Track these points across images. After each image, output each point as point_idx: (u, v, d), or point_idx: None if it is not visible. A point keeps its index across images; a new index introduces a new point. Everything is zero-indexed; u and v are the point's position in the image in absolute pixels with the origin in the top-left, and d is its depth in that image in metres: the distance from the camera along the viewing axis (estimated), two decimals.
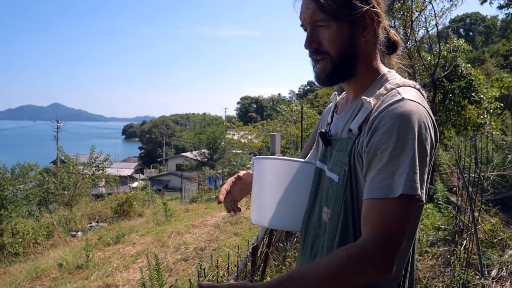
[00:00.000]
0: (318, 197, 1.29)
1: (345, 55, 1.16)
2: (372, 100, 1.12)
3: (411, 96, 1.07)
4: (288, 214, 1.37)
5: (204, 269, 2.68)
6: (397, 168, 1.00)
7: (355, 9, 1.12)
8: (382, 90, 1.13)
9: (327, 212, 1.21)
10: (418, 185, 1.00)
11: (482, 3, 9.81)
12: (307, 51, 1.22)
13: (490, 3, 9.93)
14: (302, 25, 1.21)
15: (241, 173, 1.54)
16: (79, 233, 11.75)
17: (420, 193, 1.00)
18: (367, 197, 1.04)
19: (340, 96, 1.41)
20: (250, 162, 1.46)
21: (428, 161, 1.05)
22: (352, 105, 1.23)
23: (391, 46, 1.25)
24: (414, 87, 1.15)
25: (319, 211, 1.26)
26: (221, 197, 1.45)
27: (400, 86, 1.13)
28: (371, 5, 1.14)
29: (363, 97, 1.14)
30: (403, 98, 1.06)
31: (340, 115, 1.29)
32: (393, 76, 1.20)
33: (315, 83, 1.28)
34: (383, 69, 1.23)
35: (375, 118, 1.06)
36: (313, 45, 1.17)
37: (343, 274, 1.01)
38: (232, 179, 1.51)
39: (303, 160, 1.47)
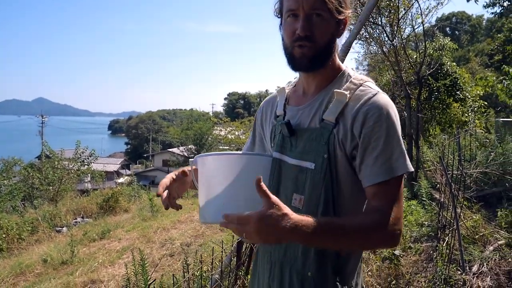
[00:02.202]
0: (282, 186, 1.37)
1: (327, 47, 1.29)
2: (346, 93, 1.25)
3: (379, 90, 1.26)
4: (245, 208, 1.15)
5: (189, 264, 2.68)
6: (392, 152, 1.19)
7: (345, 11, 1.28)
8: (349, 84, 1.29)
9: (299, 198, 1.30)
10: (409, 162, 1.21)
11: (468, 0, 9.89)
12: (287, 36, 1.30)
13: (476, 0, 10.01)
14: (290, 11, 1.26)
15: (186, 169, 1.41)
16: (64, 228, 11.63)
17: (412, 169, 1.21)
18: (372, 182, 1.19)
19: (289, 90, 1.49)
20: (190, 160, 1.34)
21: None
22: (319, 97, 1.34)
23: None
24: (373, 82, 1.32)
25: (285, 200, 1.25)
26: (161, 190, 1.33)
27: (365, 81, 1.30)
28: (350, 11, 1.32)
29: (336, 90, 1.27)
30: (378, 92, 1.25)
31: (302, 107, 1.38)
32: (353, 72, 1.35)
33: (290, 67, 1.33)
34: (342, 66, 1.38)
35: (358, 110, 1.21)
36: (307, 32, 1.25)
37: (370, 233, 1.15)
38: (172, 175, 1.40)
39: (253, 152, 1.52)
